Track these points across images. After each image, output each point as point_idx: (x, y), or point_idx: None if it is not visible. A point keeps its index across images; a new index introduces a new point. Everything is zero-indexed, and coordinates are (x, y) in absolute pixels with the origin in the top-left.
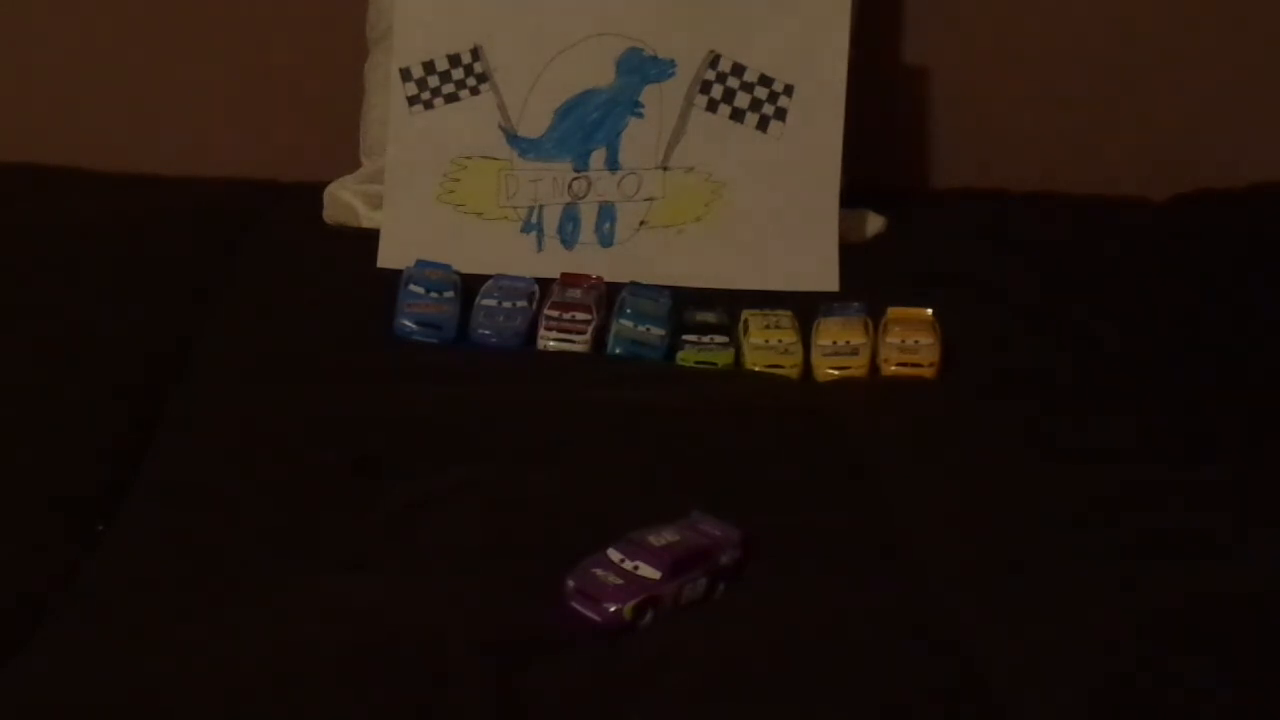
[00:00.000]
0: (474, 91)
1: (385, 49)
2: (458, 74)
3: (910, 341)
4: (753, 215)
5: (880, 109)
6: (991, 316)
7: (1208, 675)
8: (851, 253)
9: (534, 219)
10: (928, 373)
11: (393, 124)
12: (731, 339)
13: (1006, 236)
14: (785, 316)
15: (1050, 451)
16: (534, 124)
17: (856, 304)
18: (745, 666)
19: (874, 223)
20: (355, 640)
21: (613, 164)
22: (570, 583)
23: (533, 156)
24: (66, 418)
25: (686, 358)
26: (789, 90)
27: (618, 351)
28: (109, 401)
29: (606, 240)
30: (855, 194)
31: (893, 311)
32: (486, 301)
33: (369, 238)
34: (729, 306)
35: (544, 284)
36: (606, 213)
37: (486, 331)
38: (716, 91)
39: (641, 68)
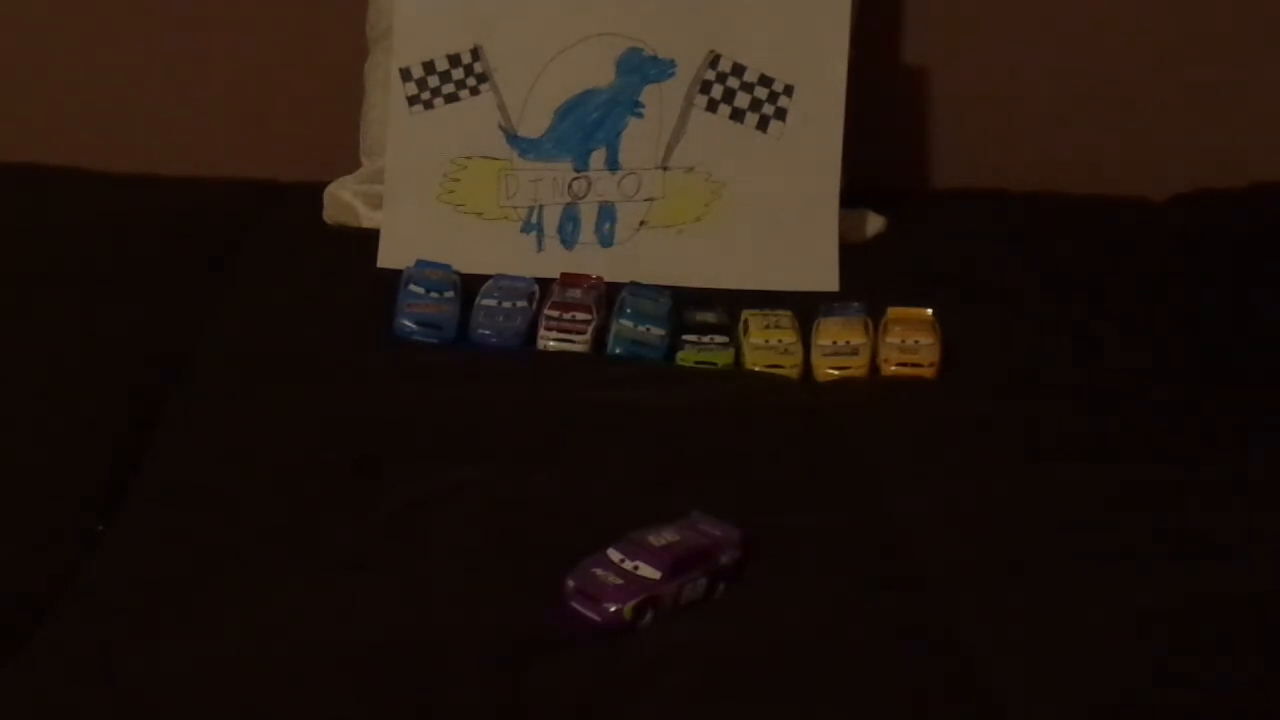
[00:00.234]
0: (474, 91)
1: (385, 49)
2: (458, 74)
3: (910, 341)
4: (753, 215)
5: (880, 109)
6: (991, 316)
7: (1208, 675)
8: (851, 253)
9: (534, 219)
10: (928, 373)
11: (393, 124)
12: (731, 339)
13: (1006, 236)
14: (785, 316)
15: (1050, 451)
16: (534, 124)
17: (856, 304)
18: (745, 666)
19: (874, 223)
20: (355, 640)
21: (613, 164)
22: (570, 583)
23: (533, 156)
24: (66, 418)
25: (686, 358)
26: (789, 90)
27: (618, 351)
28: (109, 401)
29: (606, 240)
30: (855, 194)
31: (893, 311)
32: (486, 301)
33: (369, 238)
34: (729, 306)
35: (544, 284)
36: (606, 213)
37: (486, 331)
38: (716, 91)
39: (641, 68)
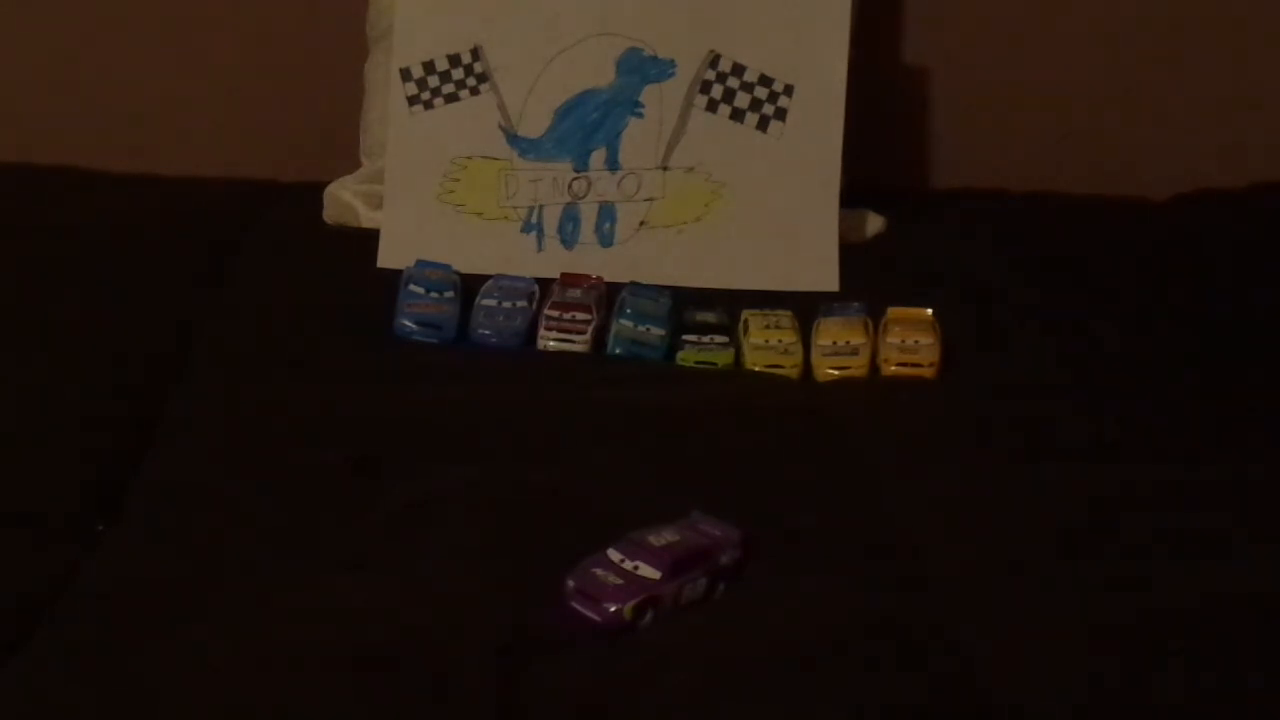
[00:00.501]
0: (474, 91)
1: (385, 49)
2: (458, 74)
3: (910, 341)
4: (753, 215)
5: (880, 109)
6: (991, 316)
7: (1208, 675)
8: (851, 253)
9: (534, 219)
10: (928, 373)
11: (393, 124)
12: (731, 339)
13: (1006, 236)
14: (785, 316)
15: (1050, 452)
16: (534, 124)
17: (856, 304)
18: (745, 666)
19: (874, 223)
20: (355, 640)
21: (613, 164)
22: (570, 583)
23: (533, 156)
24: (66, 418)
25: (686, 358)
26: (789, 90)
27: (618, 351)
28: (109, 401)
29: (606, 240)
30: (855, 194)
31: (893, 311)
32: (486, 301)
33: (369, 238)
34: (729, 306)
35: (544, 284)
36: (606, 213)
37: (486, 331)
38: (716, 91)
39: (641, 68)
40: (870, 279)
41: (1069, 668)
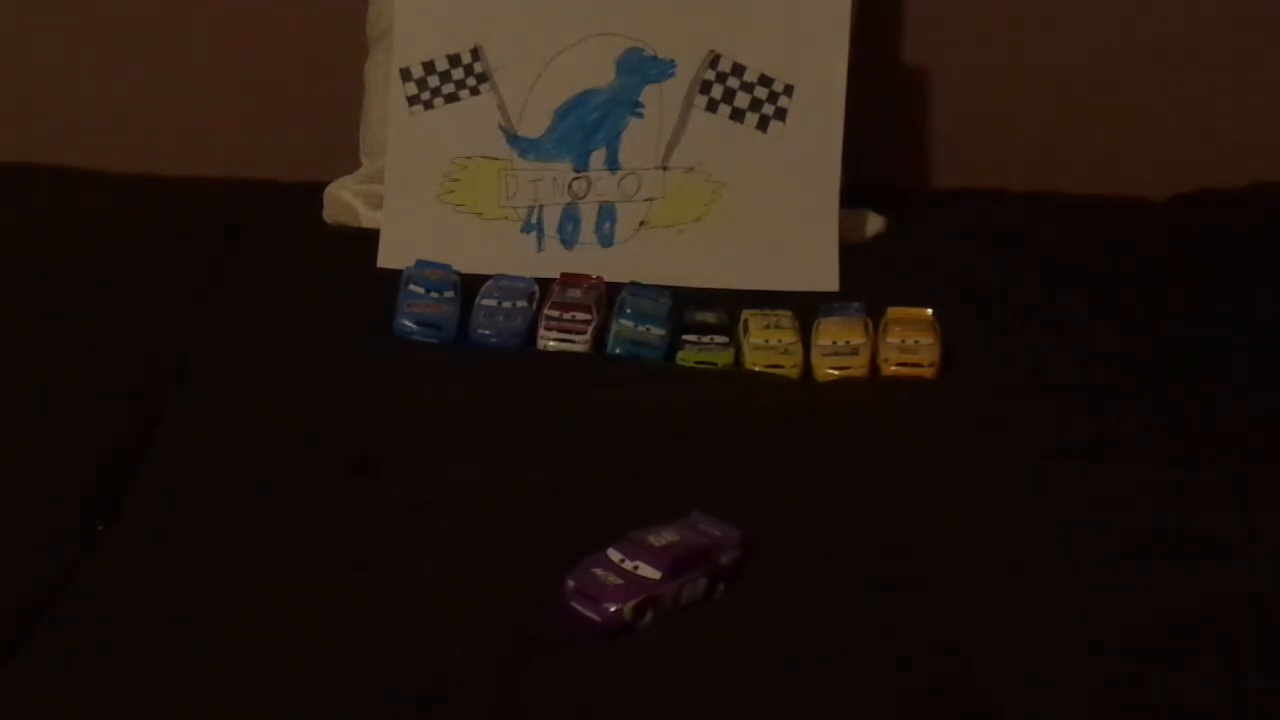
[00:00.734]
0: (474, 91)
1: (385, 49)
2: (458, 74)
3: (910, 341)
4: (753, 215)
5: (880, 109)
6: (991, 316)
7: (1208, 675)
8: (851, 253)
9: (534, 219)
10: (928, 373)
11: (393, 124)
12: (731, 339)
13: (1006, 236)
14: (785, 316)
15: (1050, 451)
16: (534, 124)
17: (856, 304)
18: (745, 666)
19: (874, 223)
20: (355, 640)
21: (613, 164)
22: (570, 583)
23: (533, 156)
24: (66, 418)
25: (686, 358)
26: (789, 90)
27: (618, 351)
28: (109, 401)
29: (606, 240)
30: (855, 194)
31: (893, 311)
32: (486, 301)
33: (369, 238)
34: (729, 306)
35: (544, 284)
36: (606, 213)
37: (486, 331)
38: (716, 91)
39: (641, 68)
40: (870, 279)
41: (1069, 668)
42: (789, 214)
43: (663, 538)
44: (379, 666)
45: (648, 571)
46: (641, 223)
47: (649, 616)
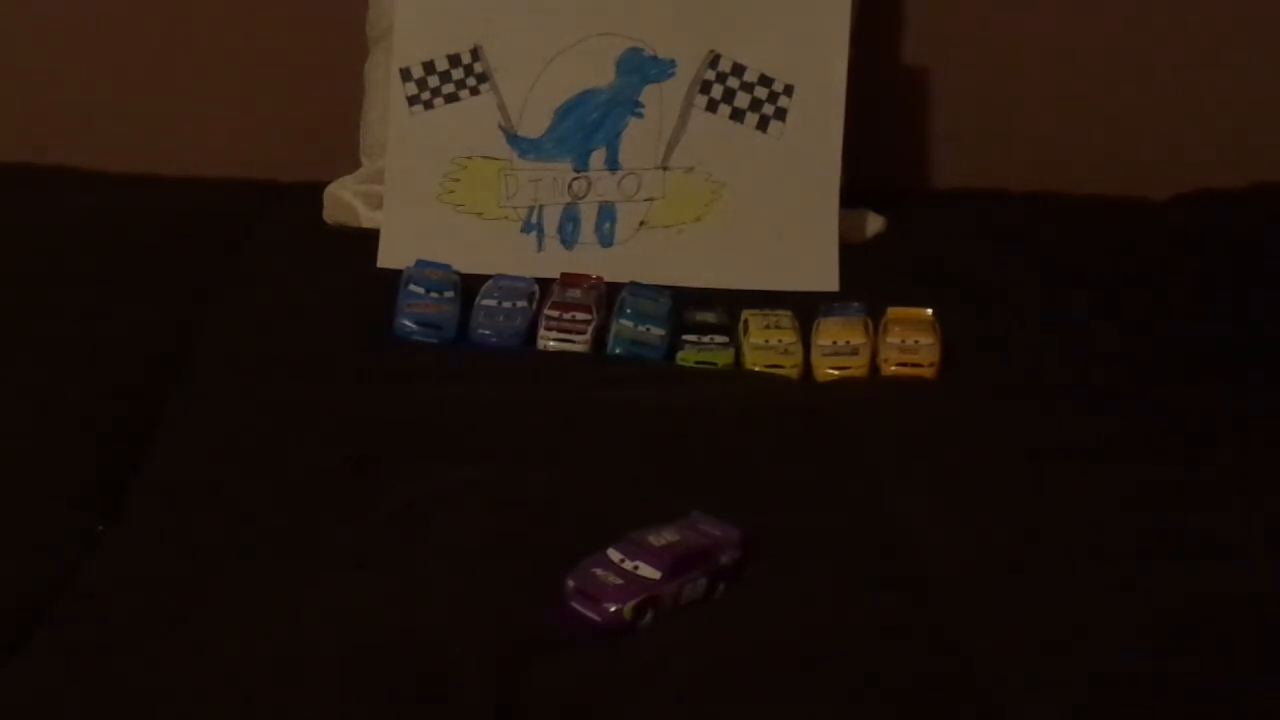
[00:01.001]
0: (474, 91)
1: (385, 49)
2: (458, 74)
3: (910, 341)
4: (753, 215)
5: (880, 109)
6: (991, 316)
7: (1208, 676)
8: (851, 253)
9: (534, 219)
10: (928, 373)
11: (393, 124)
12: (731, 339)
13: (1006, 236)
14: (785, 316)
15: (1050, 452)
16: (534, 124)
17: (856, 304)
18: (745, 666)
19: (874, 223)
20: (355, 640)
21: (613, 164)
22: (570, 583)
23: (533, 156)
24: (66, 418)
25: (686, 358)
26: (789, 90)
27: (618, 351)
28: (109, 401)
29: (606, 240)
30: (855, 194)
31: (893, 311)
32: (486, 301)
33: (369, 238)
34: (729, 306)
35: (544, 284)
36: (606, 213)
37: (486, 331)
38: (716, 91)
39: (641, 68)
40: (870, 279)
41: (1069, 668)
42: (789, 214)
43: (663, 538)
44: (379, 666)
45: (648, 571)
46: (641, 223)
47: (649, 616)
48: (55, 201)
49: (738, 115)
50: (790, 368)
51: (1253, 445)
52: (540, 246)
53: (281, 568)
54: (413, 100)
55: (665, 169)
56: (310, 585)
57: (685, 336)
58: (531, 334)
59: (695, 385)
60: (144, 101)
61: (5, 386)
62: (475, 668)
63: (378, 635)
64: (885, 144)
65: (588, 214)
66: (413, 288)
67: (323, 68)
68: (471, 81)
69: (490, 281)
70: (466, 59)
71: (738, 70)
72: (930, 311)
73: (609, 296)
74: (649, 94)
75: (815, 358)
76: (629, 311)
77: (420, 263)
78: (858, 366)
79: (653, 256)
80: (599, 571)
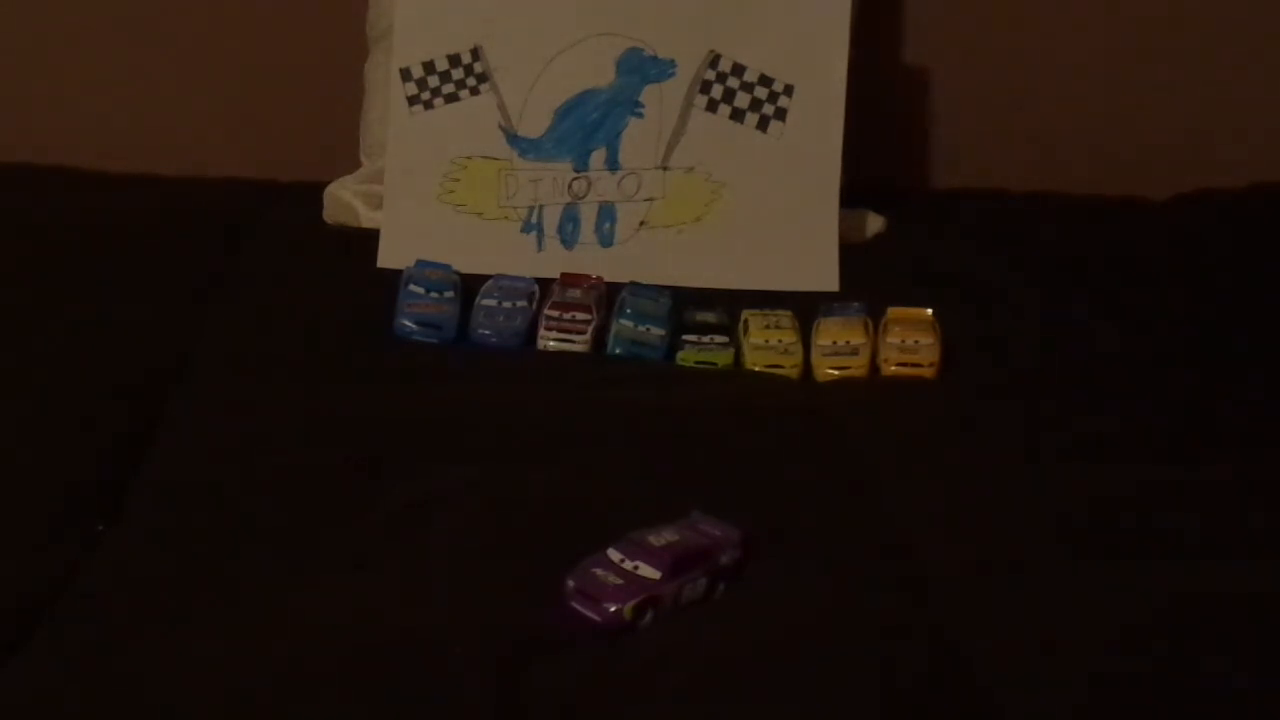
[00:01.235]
0: (474, 91)
1: (385, 49)
2: (458, 74)
3: (910, 341)
4: (753, 215)
5: (880, 109)
6: (991, 316)
7: (1208, 675)
8: (851, 253)
9: (534, 219)
10: (928, 373)
11: (393, 124)
12: (731, 339)
13: (1006, 236)
14: (785, 316)
15: (1050, 452)
16: (534, 124)
17: (856, 304)
18: (745, 666)
19: (874, 223)
20: (355, 640)
21: (613, 164)
22: (570, 583)
23: (533, 156)
24: (66, 418)
25: (686, 358)
26: (789, 90)
27: (618, 351)
28: (109, 401)
29: (606, 240)
30: (855, 194)
31: (893, 311)
32: (486, 301)
33: (369, 238)
34: (729, 306)
35: (544, 284)
36: (606, 213)
37: (486, 331)
38: (716, 91)
39: (641, 68)
40: (870, 279)
41: (1069, 668)
42: (789, 214)
43: (663, 538)
44: (379, 666)
45: (648, 571)
46: (641, 223)
47: (649, 616)
48: (55, 201)
49: (738, 115)
50: (790, 368)
51: (1253, 445)
52: (540, 246)
53: (281, 568)
54: (413, 100)
55: (665, 169)
56: (310, 585)
57: (685, 336)
58: (531, 334)
59: (695, 385)
60: (144, 101)
61: (5, 387)
62: (475, 668)
63: (378, 635)
64: (885, 144)
65: (588, 214)
66: (413, 288)
67: (323, 68)
68: (471, 81)
69: (490, 281)
70: (466, 59)
71: (738, 70)
72: (930, 311)
73: (609, 296)
74: (649, 94)
75: (815, 358)
76: (629, 311)
77: (420, 263)
78: (858, 366)
79: (653, 256)
80: (599, 571)
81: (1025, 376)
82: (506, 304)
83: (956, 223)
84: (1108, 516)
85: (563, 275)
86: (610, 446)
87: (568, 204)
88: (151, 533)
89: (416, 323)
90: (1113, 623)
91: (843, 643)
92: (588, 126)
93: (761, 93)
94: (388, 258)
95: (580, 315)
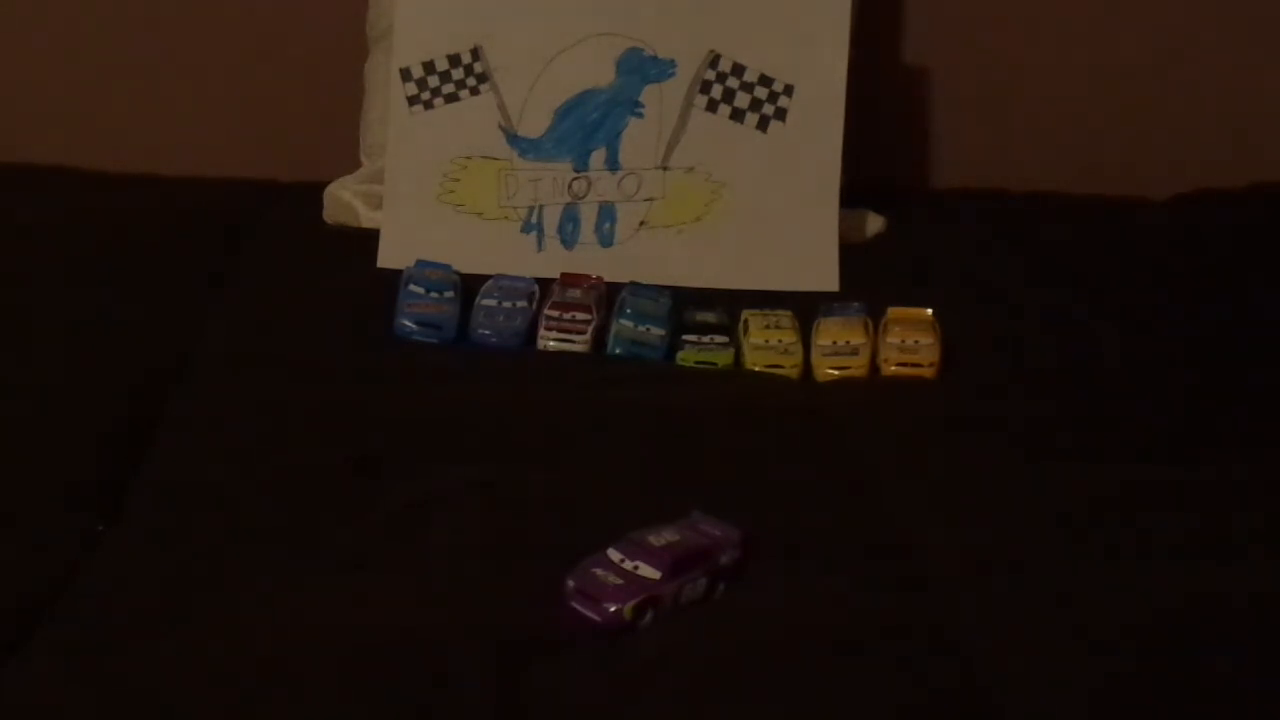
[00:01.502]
0: (474, 91)
1: (385, 49)
2: (458, 74)
3: (910, 341)
4: (753, 215)
5: (880, 109)
6: (991, 316)
7: (1208, 675)
8: (851, 253)
9: (534, 219)
10: (928, 373)
11: (393, 124)
12: (731, 339)
13: (1006, 236)
14: (785, 316)
15: (1050, 451)
16: (534, 124)
17: (856, 304)
18: (745, 666)
19: (874, 223)
20: (355, 641)
21: (613, 164)
22: (570, 583)
23: (533, 156)
24: (66, 417)
25: (686, 358)
26: (789, 90)
27: (618, 351)
28: (109, 401)
29: (606, 240)
30: (855, 194)
31: (893, 311)
32: (486, 301)
33: (369, 238)
34: (729, 306)
35: (544, 284)
36: (606, 213)
37: (486, 331)
38: (716, 91)
39: (641, 68)
40: (870, 279)
41: (1069, 668)
42: (789, 214)
43: (663, 538)
44: (379, 666)
45: (648, 571)
46: (641, 223)
47: (649, 616)
48: (55, 201)
49: (738, 115)
50: (790, 368)
51: (1253, 445)
52: (540, 246)
53: (281, 568)
54: (413, 100)
55: (665, 169)
56: (310, 585)
57: (685, 336)
58: (531, 334)
59: (695, 385)
60: (144, 101)
61: (6, 386)
62: (475, 668)
63: (378, 635)
64: (885, 144)
65: (588, 214)
66: (413, 288)
67: (323, 68)
68: (471, 81)
69: (490, 281)
70: (466, 59)
71: (738, 70)
72: (930, 311)
73: (609, 296)
74: (649, 94)
75: (815, 358)
76: (629, 311)
77: (420, 263)
78: (858, 366)
79: (653, 256)
80: (599, 571)
81: (1025, 376)
82: (506, 304)
83: (956, 223)
84: (1108, 516)
85: (563, 275)
86: (610, 446)
87: (568, 204)
88: (151, 533)
89: (416, 323)
90: (1113, 623)
91: (843, 643)
92: (588, 126)
93: (761, 93)
94: (388, 258)
95: (580, 315)
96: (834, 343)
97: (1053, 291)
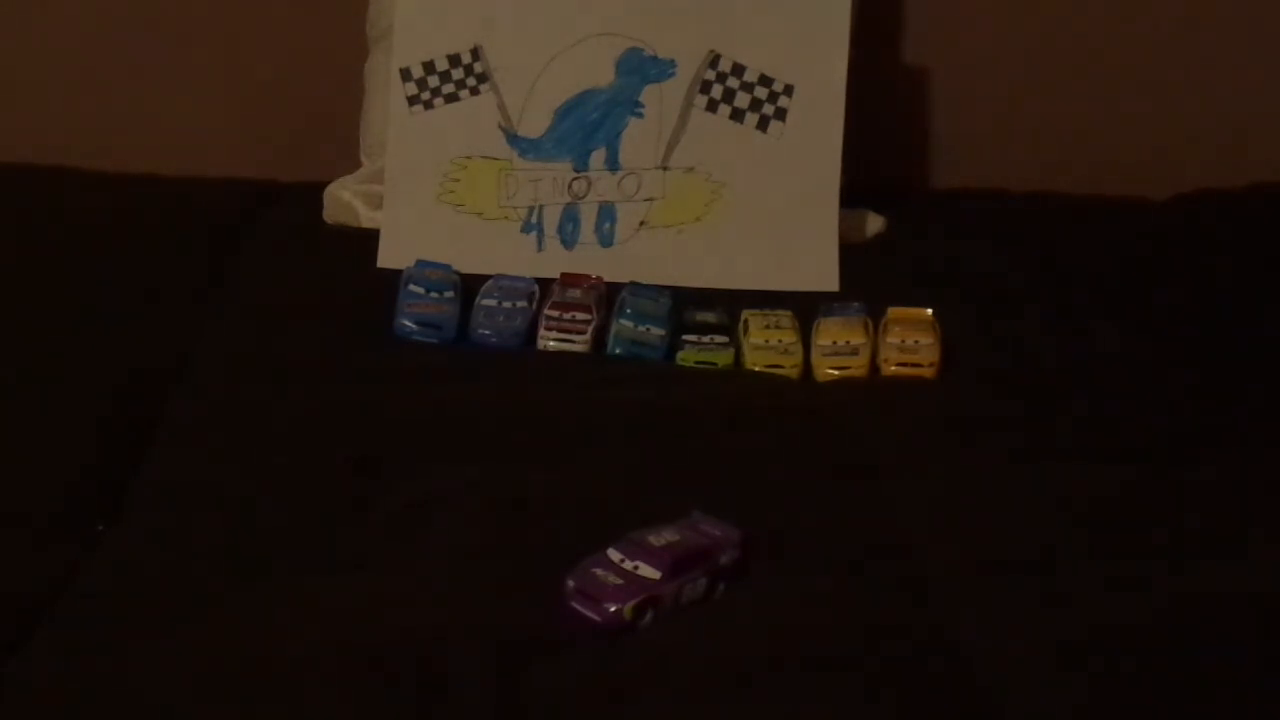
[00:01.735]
0: (474, 91)
1: (385, 49)
2: (458, 74)
3: (910, 341)
4: (753, 215)
5: (880, 109)
6: (991, 316)
7: (1208, 675)
8: (851, 253)
9: (534, 219)
10: (928, 373)
11: (393, 124)
12: (731, 339)
13: (1006, 236)
14: (785, 316)
15: (1050, 451)
16: (534, 124)
17: (856, 304)
18: (745, 666)
19: (874, 223)
20: (355, 640)
21: (613, 164)
22: (570, 583)
23: (533, 156)
24: (67, 417)
25: (686, 358)
26: (789, 90)
27: (618, 351)
28: (109, 401)
29: (606, 240)
30: (855, 194)
31: (893, 311)
32: (486, 301)
33: (369, 238)
34: (729, 306)
35: (544, 284)
36: (606, 213)
37: (486, 331)
38: (716, 91)
39: (641, 68)
40: (870, 279)
41: (1069, 668)
42: (789, 214)
43: (663, 538)
44: (379, 666)
45: (648, 571)
46: (641, 223)
47: (649, 616)
48: (55, 201)
49: (738, 115)
50: (790, 368)
51: (1253, 445)
52: (540, 246)
53: (281, 568)
54: (413, 100)
55: (665, 169)
56: (310, 585)
57: (685, 336)
58: (531, 334)
59: (695, 385)
60: (144, 101)
61: (6, 386)
62: (475, 668)
63: (378, 635)
64: (885, 144)
65: (588, 214)
66: (413, 288)
67: (323, 68)
68: (471, 81)
69: (490, 281)
70: (466, 59)
71: (738, 70)
72: (930, 311)
73: (609, 296)
74: (649, 94)
75: (815, 358)
76: (629, 311)
77: (420, 263)
78: (858, 366)
79: (653, 256)
80: (599, 571)
81: (1025, 376)
82: (506, 304)
83: (956, 223)
84: (1108, 516)
85: (563, 275)
86: (610, 446)
87: (568, 204)
88: (151, 533)
89: (416, 323)
90: (1112, 623)
91: (843, 643)
92: (588, 126)
93: (761, 93)
94: (388, 258)
95: (580, 315)
96: (834, 343)
97: (1053, 291)
